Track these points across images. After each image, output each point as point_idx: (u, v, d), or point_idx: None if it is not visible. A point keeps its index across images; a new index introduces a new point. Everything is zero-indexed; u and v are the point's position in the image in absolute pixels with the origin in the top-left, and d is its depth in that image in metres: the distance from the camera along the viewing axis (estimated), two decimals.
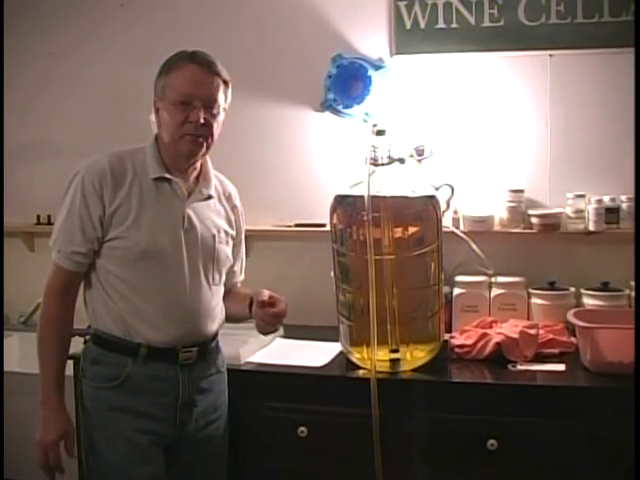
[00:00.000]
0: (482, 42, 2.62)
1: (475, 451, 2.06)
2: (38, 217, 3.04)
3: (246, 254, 2.18)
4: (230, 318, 2.06)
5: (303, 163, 2.83)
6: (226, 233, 2.02)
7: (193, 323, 1.92)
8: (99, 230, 1.86)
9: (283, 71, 2.80)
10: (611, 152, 2.57)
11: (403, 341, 2.20)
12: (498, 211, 2.63)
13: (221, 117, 1.92)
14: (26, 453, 1.86)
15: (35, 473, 1.88)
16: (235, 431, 2.10)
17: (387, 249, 2.17)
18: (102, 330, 1.90)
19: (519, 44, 2.60)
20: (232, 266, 2.08)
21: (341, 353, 2.33)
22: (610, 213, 2.51)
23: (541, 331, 2.32)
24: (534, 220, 2.57)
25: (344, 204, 2.23)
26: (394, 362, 2.19)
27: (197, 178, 1.98)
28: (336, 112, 2.73)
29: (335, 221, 2.26)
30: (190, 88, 1.85)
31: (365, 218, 2.10)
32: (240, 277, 2.15)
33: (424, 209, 2.22)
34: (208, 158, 2.01)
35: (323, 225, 2.58)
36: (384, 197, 2.15)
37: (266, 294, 1.93)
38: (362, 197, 2.10)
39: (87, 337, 1.98)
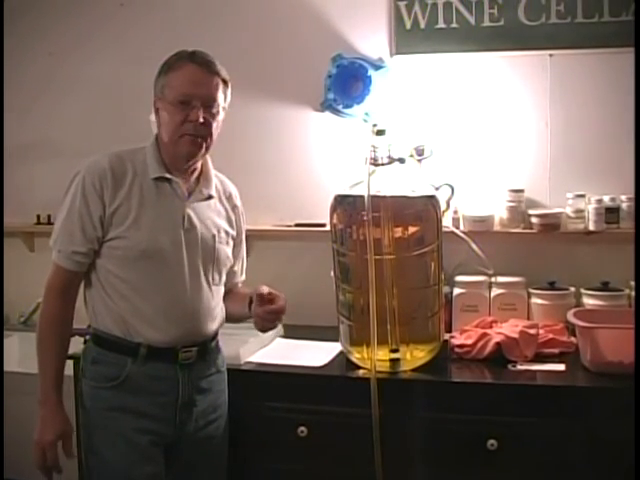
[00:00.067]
0: (482, 42, 2.62)
1: (475, 451, 2.06)
2: (38, 217, 3.04)
3: (246, 254, 2.18)
4: (230, 318, 2.06)
5: (303, 163, 2.83)
6: (226, 233, 2.02)
7: (193, 323, 1.92)
8: (99, 230, 1.86)
9: (283, 71, 2.80)
10: (611, 152, 2.57)
11: (403, 341, 2.20)
12: (498, 211, 2.63)
13: (221, 116, 1.92)
14: (26, 453, 1.86)
15: (35, 473, 1.88)
16: (235, 431, 2.10)
17: (387, 249, 2.17)
18: (102, 330, 1.90)
19: (519, 44, 2.60)
20: (232, 266, 2.08)
21: (341, 353, 2.33)
22: (610, 213, 2.51)
23: (541, 331, 2.32)
24: (534, 220, 2.57)
25: (344, 204, 2.23)
26: (394, 362, 2.19)
27: (198, 178, 1.98)
28: (336, 112, 2.73)
29: (335, 221, 2.26)
30: (189, 88, 1.85)
31: (365, 218, 2.10)
32: (241, 277, 2.15)
33: (424, 209, 2.22)
34: (209, 158, 2.01)
35: (323, 225, 2.58)
36: (384, 197, 2.15)
37: (265, 289, 1.93)
38: (362, 197, 2.10)
39: (87, 337, 1.99)
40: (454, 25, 2.64)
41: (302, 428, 2.17)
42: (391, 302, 2.18)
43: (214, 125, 1.89)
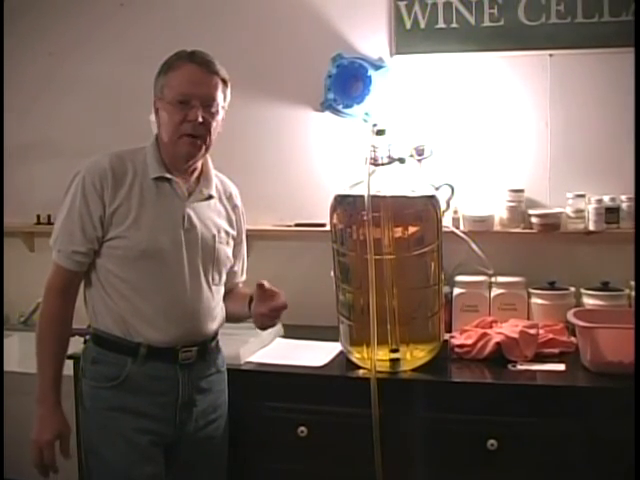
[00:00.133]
0: (482, 42, 2.62)
1: (475, 451, 2.06)
2: (38, 217, 3.04)
3: (246, 254, 2.18)
4: (230, 317, 2.06)
5: (303, 163, 2.83)
6: (226, 233, 2.02)
7: (193, 323, 1.92)
8: (99, 230, 1.86)
9: (283, 71, 2.80)
10: (611, 152, 2.57)
11: (403, 341, 2.20)
12: (498, 211, 2.63)
13: (220, 116, 1.92)
14: (26, 453, 1.86)
15: (35, 473, 1.88)
16: (235, 431, 2.10)
17: (387, 249, 2.17)
18: (102, 330, 1.90)
19: (519, 44, 2.60)
20: (232, 266, 2.08)
21: (341, 353, 2.33)
22: (610, 213, 2.51)
23: (541, 331, 2.32)
24: (534, 220, 2.57)
25: (344, 204, 2.23)
26: (394, 362, 2.19)
27: (198, 178, 1.98)
28: (336, 112, 2.73)
29: (335, 221, 2.26)
30: (188, 87, 1.85)
31: (365, 218, 2.10)
32: (241, 278, 2.15)
33: (424, 209, 2.22)
34: (209, 158, 2.01)
35: (323, 225, 2.58)
36: (384, 197, 2.15)
37: (266, 282, 1.92)
38: (362, 197, 2.10)
39: (87, 337, 1.99)
40: (454, 25, 2.64)
41: (302, 428, 2.17)
42: (391, 302, 2.18)
43: (213, 125, 1.89)
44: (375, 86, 2.65)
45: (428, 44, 2.67)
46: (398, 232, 2.20)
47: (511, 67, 2.64)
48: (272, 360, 2.32)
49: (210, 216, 1.98)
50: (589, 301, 2.48)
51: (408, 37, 2.68)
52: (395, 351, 2.19)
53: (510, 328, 2.30)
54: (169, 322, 1.89)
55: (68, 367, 2.06)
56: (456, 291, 2.55)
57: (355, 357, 2.25)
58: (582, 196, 2.55)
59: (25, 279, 2.92)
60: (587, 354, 2.13)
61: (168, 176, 1.91)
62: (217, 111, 1.90)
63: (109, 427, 1.87)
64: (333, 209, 2.26)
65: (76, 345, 2.18)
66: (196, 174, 1.97)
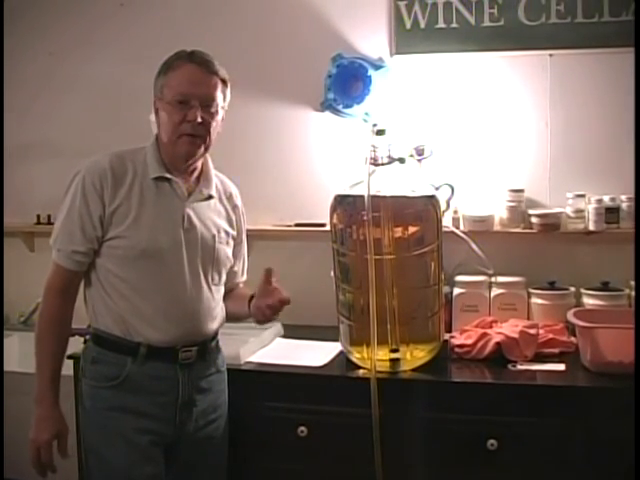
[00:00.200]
0: (482, 42, 2.62)
1: (475, 451, 2.06)
2: (38, 217, 3.04)
3: (247, 254, 2.18)
4: (230, 317, 2.06)
5: (303, 163, 2.82)
6: (226, 233, 2.02)
7: (193, 323, 1.92)
8: (99, 229, 1.86)
9: (283, 71, 2.80)
10: (611, 152, 2.57)
11: (403, 341, 2.20)
12: (498, 211, 2.63)
13: (220, 116, 1.92)
14: (26, 453, 1.86)
15: (35, 473, 1.88)
16: (235, 431, 2.10)
17: (387, 249, 2.17)
18: (102, 329, 1.90)
19: (519, 44, 2.60)
20: (232, 266, 2.08)
21: (341, 353, 2.33)
22: (610, 213, 2.51)
23: (541, 331, 2.32)
24: (534, 220, 2.57)
25: (344, 204, 2.23)
26: (394, 362, 2.19)
27: (198, 178, 1.98)
28: (336, 112, 2.73)
29: (335, 221, 2.26)
30: (188, 87, 1.85)
31: (365, 218, 2.10)
32: (242, 278, 2.15)
33: (424, 209, 2.22)
34: (209, 158, 2.01)
35: (323, 225, 2.58)
36: (384, 197, 2.15)
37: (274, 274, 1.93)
38: (362, 197, 2.10)
39: (87, 337, 1.99)
40: (454, 25, 2.64)
41: (302, 428, 2.17)
42: (391, 302, 2.18)
43: (213, 125, 1.89)
44: (375, 86, 2.65)
45: (428, 44, 2.67)
46: (398, 232, 2.19)
47: (511, 67, 2.64)
48: (272, 360, 2.32)
49: (210, 216, 1.98)
50: (589, 301, 2.48)
51: (408, 37, 2.68)
52: (395, 351, 2.19)
53: (510, 328, 2.30)
54: (169, 322, 1.89)
55: (68, 367, 2.07)
56: (456, 291, 2.55)
57: (355, 357, 2.25)
58: (582, 196, 2.55)
59: (25, 279, 2.92)
60: (587, 354, 2.13)
61: (168, 176, 1.91)
62: (216, 111, 1.90)
63: (109, 427, 1.87)
64: (333, 209, 2.26)
65: (76, 345, 2.18)
66: (196, 174, 1.97)
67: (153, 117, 1.95)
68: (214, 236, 1.97)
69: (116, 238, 1.86)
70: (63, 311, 1.88)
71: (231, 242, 2.04)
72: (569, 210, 2.56)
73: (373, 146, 2.20)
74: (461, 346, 2.30)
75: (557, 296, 2.50)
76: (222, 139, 1.95)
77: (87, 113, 2.99)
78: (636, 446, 1.66)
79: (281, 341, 2.55)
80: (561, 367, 2.18)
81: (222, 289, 2.03)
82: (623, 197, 2.52)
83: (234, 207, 2.07)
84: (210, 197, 1.99)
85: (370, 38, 2.72)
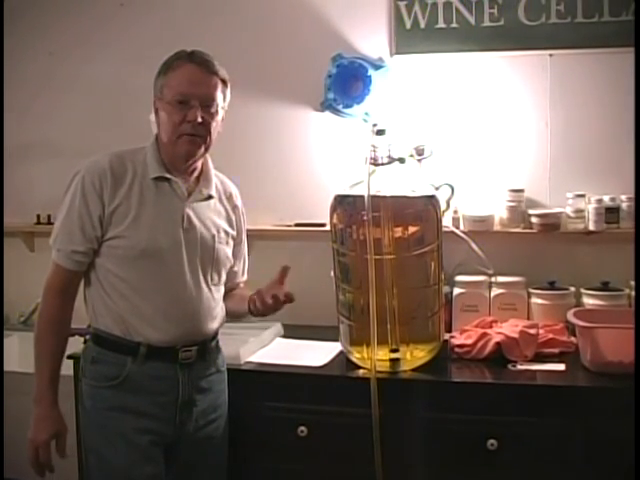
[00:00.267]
0: (482, 42, 2.62)
1: (475, 451, 2.06)
2: (38, 217, 3.04)
3: (247, 254, 2.18)
4: (230, 314, 2.06)
5: (303, 163, 2.82)
6: (226, 233, 2.02)
7: (193, 322, 1.92)
8: (98, 229, 1.86)
9: (283, 71, 2.80)
10: (611, 152, 2.57)
11: (403, 341, 2.20)
12: (498, 211, 2.63)
13: (219, 116, 1.92)
14: (25, 453, 1.86)
15: (34, 473, 1.88)
16: (235, 431, 2.10)
17: (387, 249, 2.17)
18: (102, 329, 1.90)
19: (519, 44, 2.60)
20: (233, 266, 2.08)
21: (341, 353, 2.33)
22: (610, 213, 2.51)
23: (541, 331, 2.32)
24: (534, 220, 2.57)
25: (344, 204, 2.23)
26: (394, 362, 2.19)
27: (198, 178, 1.98)
28: (336, 112, 2.73)
29: (335, 221, 2.26)
30: (188, 87, 1.85)
31: (365, 218, 2.10)
32: (242, 278, 2.15)
33: (424, 209, 2.22)
34: (209, 158, 2.01)
35: (323, 225, 2.58)
36: (384, 197, 2.15)
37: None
38: (362, 197, 2.10)
39: (87, 336, 1.99)
40: (454, 25, 2.64)
41: (302, 428, 2.17)
42: (391, 302, 2.18)
43: (213, 125, 1.89)
44: (375, 86, 2.65)
45: (428, 44, 2.67)
46: (398, 232, 2.19)
47: (511, 67, 2.64)
48: (272, 360, 2.32)
49: (210, 216, 1.98)
50: (589, 301, 2.48)
51: (408, 37, 2.68)
52: (395, 351, 2.19)
53: (510, 328, 2.30)
54: (169, 322, 1.89)
55: (68, 367, 2.07)
56: (456, 291, 2.55)
57: (355, 357, 2.25)
58: (582, 196, 2.55)
59: (25, 279, 2.92)
60: (587, 354, 2.13)
61: (168, 176, 1.91)
62: (216, 111, 1.90)
63: (109, 427, 1.87)
64: (333, 209, 2.26)
65: (76, 345, 2.18)
66: (196, 174, 1.97)
67: (153, 117, 1.95)
68: (214, 236, 1.97)
69: (116, 238, 1.86)
70: (63, 311, 1.88)
71: (231, 242, 2.04)
72: (569, 210, 2.56)
73: (373, 146, 2.20)
74: (461, 346, 2.30)
75: (557, 296, 2.50)
76: (222, 139, 1.95)
77: (87, 113, 2.99)
78: (636, 446, 1.66)
79: (281, 341, 2.55)
80: (561, 367, 2.18)
81: (222, 289, 2.03)
82: (623, 197, 2.52)
83: (234, 207, 2.07)
84: (210, 197, 1.99)
85: (370, 38, 2.72)
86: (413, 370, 2.20)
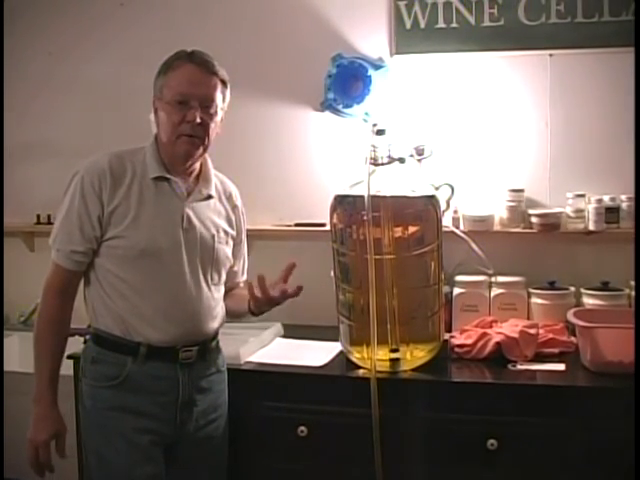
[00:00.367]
0: (482, 42, 2.62)
1: (475, 451, 2.06)
2: (38, 217, 3.04)
3: (246, 254, 2.18)
4: (229, 313, 2.06)
5: (303, 163, 2.82)
6: (226, 233, 2.02)
7: (193, 322, 1.92)
8: (98, 229, 1.86)
9: (283, 71, 2.80)
10: (611, 152, 2.57)
11: (403, 341, 2.20)
12: (498, 211, 2.63)
13: (219, 117, 1.92)
14: (25, 453, 1.86)
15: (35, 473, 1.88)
16: (235, 431, 2.10)
17: (387, 249, 2.17)
18: (102, 329, 1.90)
19: (519, 44, 2.60)
20: (232, 266, 2.08)
21: (341, 353, 2.33)
22: (610, 213, 2.51)
23: (541, 331, 2.32)
24: (534, 220, 2.57)
25: (344, 204, 2.23)
26: (394, 362, 2.19)
27: (197, 178, 1.98)
28: (336, 112, 2.73)
29: (335, 221, 2.26)
30: (187, 87, 1.85)
31: (365, 218, 2.10)
32: (242, 277, 2.15)
33: (424, 209, 2.21)
34: (208, 158, 2.01)
35: (323, 225, 2.58)
36: (384, 197, 2.15)
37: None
38: (362, 197, 2.10)
39: (87, 336, 1.99)
40: (454, 25, 2.64)
41: (302, 428, 2.17)
42: (391, 302, 2.18)
43: (211, 126, 1.89)
44: (375, 86, 2.65)
45: (428, 44, 2.67)
46: (398, 232, 2.19)
47: (511, 67, 2.64)
48: (272, 360, 2.32)
49: (209, 216, 1.98)
50: (589, 301, 2.48)
51: (408, 37, 2.68)
52: (395, 351, 2.19)
53: (510, 328, 2.30)
54: (169, 322, 1.89)
55: (68, 367, 2.07)
56: (456, 291, 2.55)
57: (355, 357, 2.25)
58: (582, 196, 2.55)
59: (25, 279, 2.91)
60: (587, 354, 2.13)
61: (167, 176, 1.91)
62: (215, 112, 1.89)
63: (109, 427, 1.87)
64: (333, 209, 2.26)
65: (76, 345, 2.19)
66: (195, 174, 1.97)
67: (153, 117, 1.95)
68: (213, 236, 1.96)
69: (115, 238, 1.86)
70: (62, 311, 1.88)
71: (230, 242, 2.04)
72: (569, 210, 2.56)
73: (373, 146, 2.20)
74: (461, 346, 2.30)
75: (557, 296, 2.50)
76: (222, 139, 1.95)
77: (87, 113, 2.99)
78: (636, 446, 1.66)
79: (281, 341, 2.55)
80: (561, 367, 2.18)
81: (222, 289, 2.03)
82: (623, 197, 2.52)
83: (234, 207, 2.07)
84: (209, 197, 1.99)
85: (370, 38, 2.72)
86: (413, 370, 2.20)
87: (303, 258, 2.78)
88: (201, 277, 1.93)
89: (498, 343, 2.23)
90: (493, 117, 2.66)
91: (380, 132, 2.21)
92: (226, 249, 2.02)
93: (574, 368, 2.17)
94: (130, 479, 1.87)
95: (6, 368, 2.55)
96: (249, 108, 2.77)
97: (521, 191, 2.61)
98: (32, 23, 3.03)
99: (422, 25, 2.67)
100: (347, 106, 2.69)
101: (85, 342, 2.01)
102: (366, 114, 2.68)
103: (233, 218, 2.06)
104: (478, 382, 2.16)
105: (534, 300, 2.52)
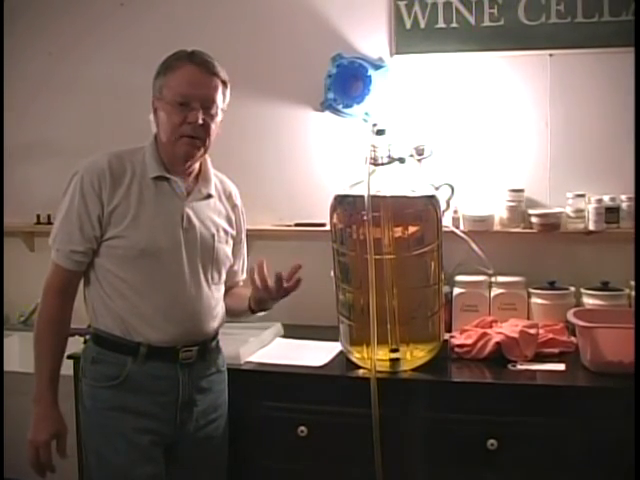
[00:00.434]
0: (482, 42, 2.62)
1: (475, 451, 2.06)
2: (38, 217, 3.04)
3: (246, 253, 2.18)
4: (229, 312, 2.06)
5: (303, 163, 2.82)
6: (225, 232, 2.02)
7: (193, 322, 1.92)
8: (97, 229, 1.86)
9: (283, 71, 2.80)
10: (611, 152, 2.57)
11: (403, 341, 2.20)
12: (498, 211, 2.63)
13: (219, 118, 1.92)
14: (26, 453, 1.86)
15: (35, 473, 1.88)
16: (235, 431, 2.10)
17: (387, 249, 2.17)
18: (102, 329, 1.90)
19: (519, 44, 2.60)
20: (232, 265, 2.08)
21: (341, 353, 2.33)
22: (610, 213, 2.51)
23: (541, 331, 2.32)
24: (534, 220, 2.57)
25: (344, 204, 2.23)
26: (394, 362, 2.19)
27: (196, 177, 1.98)
28: (336, 112, 2.73)
29: (335, 221, 2.26)
30: (188, 89, 1.85)
31: (365, 218, 2.10)
32: (242, 276, 2.15)
33: (424, 209, 2.21)
34: (208, 157, 2.01)
35: (323, 225, 2.58)
36: (384, 197, 2.15)
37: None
38: (362, 197, 2.10)
39: (87, 336, 1.99)
40: (454, 25, 2.64)
41: (302, 428, 2.17)
42: (391, 302, 2.18)
43: (212, 126, 1.89)
44: (375, 86, 2.65)
45: (428, 44, 2.67)
46: (398, 232, 2.19)
47: (511, 67, 2.64)
48: (272, 360, 2.32)
49: (209, 215, 1.98)
50: (589, 301, 2.48)
51: (408, 37, 2.68)
52: (395, 351, 2.19)
53: (510, 328, 2.30)
54: (169, 322, 1.89)
55: (68, 367, 2.06)
56: (456, 291, 2.55)
57: (355, 357, 2.25)
58: (582, 196, 2.55)
59: (25, 279, 2.91)
60: (587, 354, 2.13)
61: (167, 175, 1.91)
62: (216, 113, 1.90)
63: (109, 427, 1.87)
64: (333, 209, 2.26)
65: (76, 345, 2.19)
66: (194, 174, 1.97)
67: (152, 117, 1.94)
68: (213, 235, 1.97)
69: (115, 238, 1.86)
70: (62, 311, 1.88)
71: (230, 241, 2.04)
72: (569, 210, 2.56)
73: (373, 146, 2.20)
74: (461, 346, 2.30)
75: (557, 296, 2.50)
76: (221, 139, 1.95)
77: (87, 113, 2.98)
78: (636, 446, 1.66)
79: (281, 341, 2.55)
80: (561, 367, 2.18)
81: (222, 288, 2.03)
82: (623, 197, 2.52)
83: (233, 206, 2.07)
84: (209, 196, 1.99)
85: (370, 38, 2.72)
86: (413, 370, 2.20)
87: (303, 258, 2.77)
88: (201, 277, 1.93)
89: (498, 343, 2.23)
90: (493, 117, 2.66)
91: (380, 132, 2.20)
92: (226, 248, 2.02)
93: (574, 368, 2.17)
94: (130, 479, 1.87)
95: (6, 368, 2.55)
96: (249, 108, 2.77)
97: (521, 191, 2.61)
98: (32, 23, 3.03)
99: (422, 25, 2.67)
100: (347, 106, 2.69)
101: (85, 342, 2.01)
102: (366, 114, 2.68)
103: (233, 217, 2.06)
104: (478, 382, 2.16)
105: (534, 300, 2.52)
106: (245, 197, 2.13)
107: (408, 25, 2.68)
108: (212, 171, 2.02)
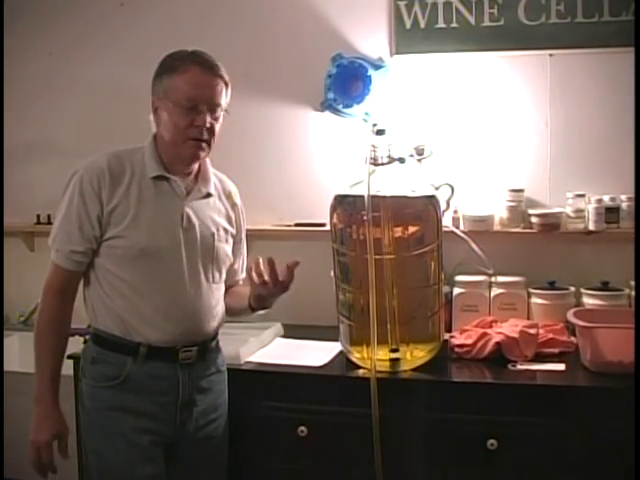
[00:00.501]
0: (482, 42, 2.62)
1: (475, 451, 2.06)
2: (38, 217, 3.04)
3: (246, 253, 2.18)
4: (229, 311, 2.06)
5: (303, 163, 2.82)
6: (225, 231, 2.02)
7: (193, 322, 1.92)
8: (97, 229, 1.86)
9: (283, 71, 2.80)
10: (611, 152, 2.57)
11: (403, 341, 2.20)
12: (498, 211, 2.63)
13: (222, 119, 1.92)
14: (26, 453, 1.86)
15: (35, 473, 1.88)
16: (235, 431, 2.10)
17: (387, 249, 2.17)
18: (102, 329, 1.90)
19: (519, 44, 2.60)
20: (232, 264, 2.08)
21: (341, 353, 2.33)
22: (610, 213, 2.51)
23: (541, 331, 2.32)
24: (534, 220, 2.57)
25: (344, 204, 2.23)
26: (394, 362, 2.19)
27: (196, 177, 1.98)
28: (336, 112, 2.73)
29: (335, 221, 2.26)
30: (195, 91, 1.84)
31: (365, 218, 2.10)
32: (241, 275, 2.15)
33: (424, 209, 2.22)
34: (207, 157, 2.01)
35: (323, 225, 2.58)
36: (384, 197, 2.15)
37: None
38: (362, 197, 2.10)
39: (87, 336, 1.99)
40: (454, 25, 2.64)
41: (302, 428, 2.17)
42: (391, 302, 2.18)
43: (217, 128, 1.90)
44: (375, 86, 2.65)
45: (428, 44, 2.67)
46: (398, 232, 2.19)
47: (511, 67, 2.64)
48: (272, 360, 2.32)
49: (209, 214, 1.98)
50: (589, 301, 2.48)
51: (408, 37, 2.68)
52: (395, 351, 2.19)
53: (510, 328, 2.30)
54: (168, 321, 1.89)
55: (68, 367, 2.06)
56: (456, 291, 2.55)
57: (355, 357, 2.25)
58: (582, 196, 2.55)
59: (25, 279, 2.92)
60: (587, 354, 2.13)
61: (167, 175, 1.91)
62: (220, 114, 1.90)
63: (109, 427, 1.87)
64: (333, 209, 2.26)
65: (76, 345, 2.19)
66: (194, 173, 1.97)
67: (152, 117, 1.94)
68: (213, 234, 1.96)
69: (115, 238, 1.86)
70: (62, 311, 1.88)
71: (230, 240, 2.04)
72: (569, 210, 2.56)
73: (373, 146, 2.20)
74: (461, 346, 2.30)
75: (557, 296, 2.50)
76: (222, 139, 1.95)
77: (87, 113, 2.99)
78: (636, 446, 1.66)
79: (281, 341, 2.55)
80: (561, 367, 2.18)
81: (222, 287, 2.03)
82: (623, 197, 2.52)
83: (233, 205, 2.07)
84: (209, 195, 1.99)
85: (370, 38, 2.72)
86: (413, 370, 2.20)
87: (303, 258, 2.78)
88: (201, 276, 1.93)
89: (498, 343, 2.23)
90: (493, 117, 2.66)
91: (380, 132, 2.21)
92: (226, 247, 2.02)
93: (574, 368, 2.17)
94: (130, 479, 1.87)
95: (6, 368, 2.55)
96: (249, 108, 2.77)
97: (521, 191, 2.61)
98: (32, 23, 3.03)
99: (422, 25, 2.67)
100: (347, 106, 2.69)
101: (85, 342, 2.01)
102: (366, 114, 2.68)
103: (233, 216, 2.06)
104: (478, 382, 2.16)
105: (534, 300, 2.52)
106: (245, 197, 2.13)
107: (408, 25, 2.68)
108: (211, 170, 2.02)
